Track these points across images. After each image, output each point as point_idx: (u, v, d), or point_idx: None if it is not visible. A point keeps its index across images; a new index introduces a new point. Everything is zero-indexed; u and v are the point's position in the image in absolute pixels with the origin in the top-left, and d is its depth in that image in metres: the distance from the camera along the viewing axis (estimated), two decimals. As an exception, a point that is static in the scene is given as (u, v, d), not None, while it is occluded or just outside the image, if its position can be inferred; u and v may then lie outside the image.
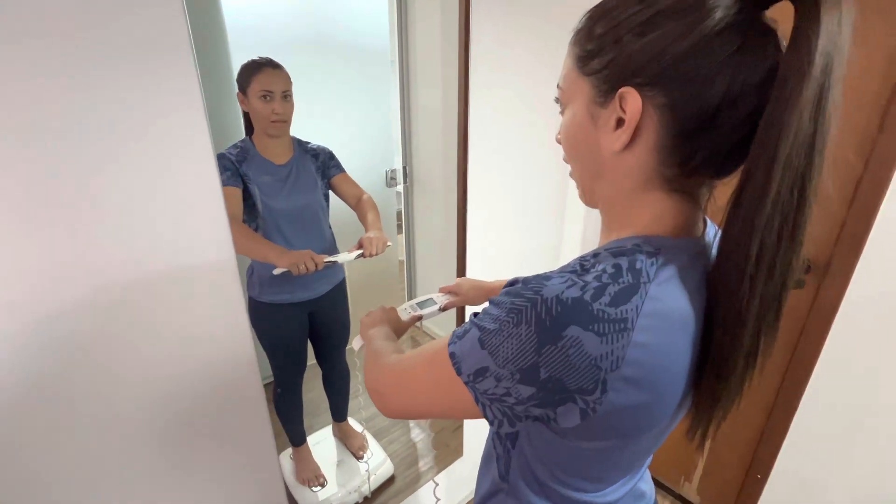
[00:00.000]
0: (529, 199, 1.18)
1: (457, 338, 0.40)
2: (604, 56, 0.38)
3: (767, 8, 0.35)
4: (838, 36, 0.30)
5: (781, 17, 0.35)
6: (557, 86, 0.45)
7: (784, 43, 0.34)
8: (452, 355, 0.40)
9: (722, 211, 0.37)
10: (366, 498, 1.53)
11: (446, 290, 0.87)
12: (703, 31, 0.33)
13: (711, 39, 0.33)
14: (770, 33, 0.35)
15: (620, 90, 0.37)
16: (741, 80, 0.34)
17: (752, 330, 0.36)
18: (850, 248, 1.09)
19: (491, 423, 0.41)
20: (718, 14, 0.33)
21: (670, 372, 0.37)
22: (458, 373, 0.39)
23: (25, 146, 0.54)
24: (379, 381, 0.50)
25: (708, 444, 0.43)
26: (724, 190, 0.39)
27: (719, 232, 0.37)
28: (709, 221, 0.46)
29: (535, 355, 0.34)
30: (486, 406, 0.39)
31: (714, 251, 0.39)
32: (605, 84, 0.38)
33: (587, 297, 0.34)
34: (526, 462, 0.46)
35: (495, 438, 0.50)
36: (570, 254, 1.12)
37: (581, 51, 0.40)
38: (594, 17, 0.39)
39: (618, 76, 0.37)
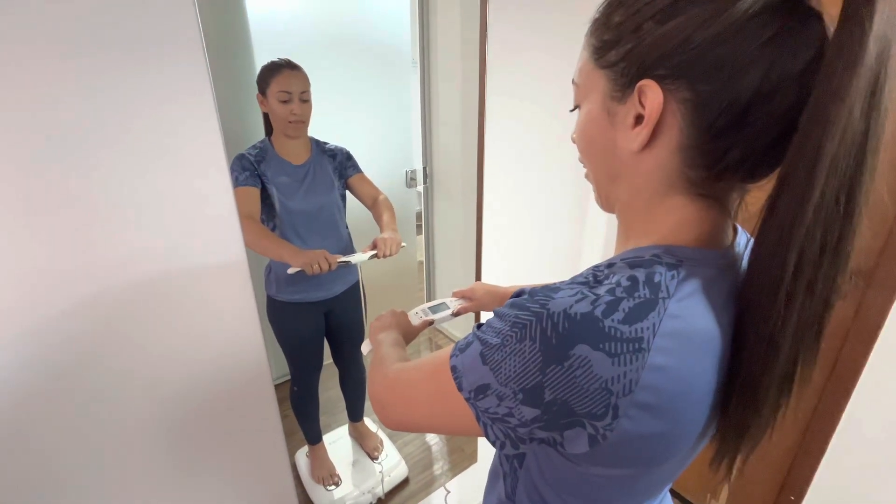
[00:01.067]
0: (549, 201, 1.15)
1: (459, 350, 0.38)
2: (622, 46, 0.34)
3: None
4: None
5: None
6: (573, 81, 0.41)
7: (831, 28, 0.30)
8: (454, 369, 0.37)
9: (754, 219, 0.33)
10: (379, 499, 1.53)
11: (460, 295, 0.84)
12: (733, 14, 0.30)
13: (743, 24, 0.30)
14: (813, 16, 0.31)
15: (639, 83, 0.33)
16: (778, 71, 0.30)
17: (787, 354, 0.32)
18: (900, 256, 1.00)
19: (493, 444, 0.38)
20: None
21: (691, 399, 0.33)
22: (460, 388, 0.37)
23: (33, 145, 0.55)
24: (380, 390, 0.48)
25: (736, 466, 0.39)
26: (757, 195, 0.35)
27: (751, 241, 0.33)
28: (739, 229, 0.42)
29: (539, 375, 0.32)
30: (487, 425, 0.37)
31: (745, 263, 0.35)
32: (622, 77, 0.35)
33: (598, 312, 0.31)
34: (533, 484, 0.43)
35: (502, 456, 0.48)
36: (590, 255, 1.08)
37: (597, 41, 0.37)
38: (612, 3, 0.36)
39: (637, 68, 0.34)
